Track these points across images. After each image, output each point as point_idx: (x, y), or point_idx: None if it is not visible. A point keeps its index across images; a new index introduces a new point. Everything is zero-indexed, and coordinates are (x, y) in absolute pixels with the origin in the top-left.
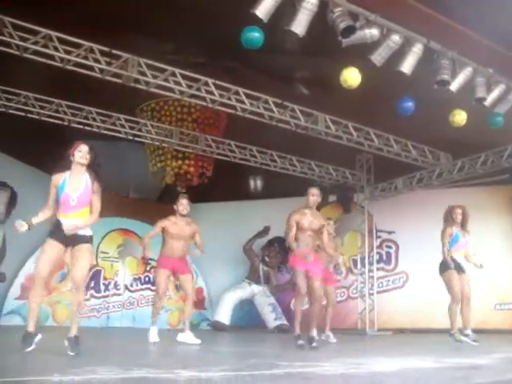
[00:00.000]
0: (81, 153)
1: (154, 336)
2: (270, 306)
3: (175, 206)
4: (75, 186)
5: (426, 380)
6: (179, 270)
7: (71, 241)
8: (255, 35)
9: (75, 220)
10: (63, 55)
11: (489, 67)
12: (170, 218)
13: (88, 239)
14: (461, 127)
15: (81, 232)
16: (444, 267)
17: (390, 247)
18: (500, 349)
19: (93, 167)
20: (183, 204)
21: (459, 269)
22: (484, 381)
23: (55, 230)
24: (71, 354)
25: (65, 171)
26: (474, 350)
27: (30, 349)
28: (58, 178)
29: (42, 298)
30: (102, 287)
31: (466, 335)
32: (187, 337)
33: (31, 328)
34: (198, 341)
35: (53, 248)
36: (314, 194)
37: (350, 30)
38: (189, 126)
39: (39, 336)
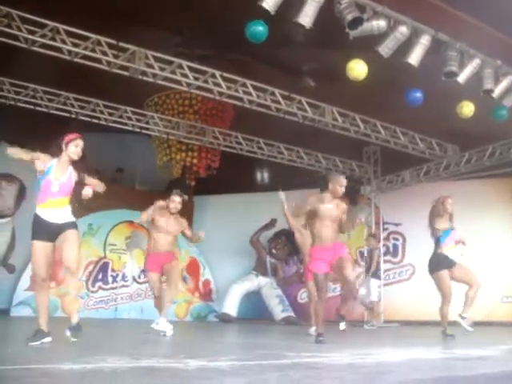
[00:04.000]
0: (77, 148)
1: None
2: (277, 297)
3: (167, 201)
4: (59, 175)
5: (432, 369)
6: (166, 262)
7: (56, 232)
8: (259, 29)
9: (54, 209)
10: (71, 48)
11: (497, 59)
12: (160, 209)
13: (72, 225)
14: (468, 119)
15: (62, 220)
16: (435, 266)
17: (396, 239)
18: (506, 341)
19: (82, 164)
20: (175, 202)
21: (450, 264)
22: (490, 371)
23: (38, 230)
24: (74, 340)
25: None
26: (480, 341)
27: (34, 343)
28: (47, 161)
29: (48, 298)
30: (110, 279)
31: (464, 318)
32: (161, 323)
33: (44, 326)
34: (169, 328)
35: (42, 249)
36: (342, 185)
37: (357, 22)
38: (190, 118)
39: (49, 338)
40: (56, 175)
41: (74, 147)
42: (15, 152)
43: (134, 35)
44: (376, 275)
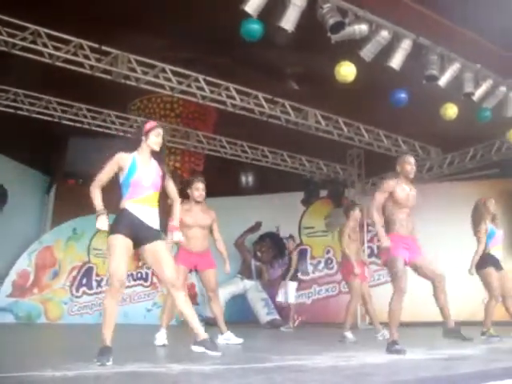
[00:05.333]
0: (158, 138)
1: (161, 339)
2: (262, 301)
3: (189, 191)
4: (146, 168)
5: (414, 371)
6: (200, 265)
7: (142, 235)
8: (254, 27)
9: (147, 205)
10: (52, 51)
11: (476, 63)
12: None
13: (159, 234)
14: (450, 122)
15: (151, 223)
16: (482, 264)
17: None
18: (488, 339)
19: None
20: (199, 189)
21: (498, 266)
22: (469, 371)
23: (124, 223)
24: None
25: (129, 152)
26: (465, 341)
27: (108, 363)
28: (125, 158)
29: (118, 305)
30: (95, 284)
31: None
32: (229, 336)
33: (109, 342)
34: (240, 340)
35: (124, 245)
36: (411, 163)
37: (339, 26)
38: (172, 122)
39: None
40: (144, 168)
41: (154, 137)
42: (98, 203)
43: (117, 39)
44: (294, 278)
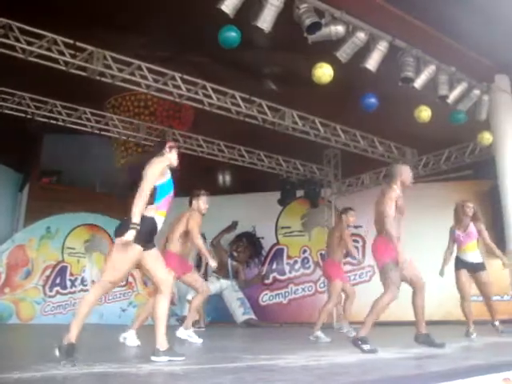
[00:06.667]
0: (175, 156)
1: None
2: (238, 300)
3: (195, 203)
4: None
5: (386, 369)
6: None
7: (153, 241)
8: (232, 35)
9: (163, 218)
10: (25, 46)
11: (451, 66)
12: (199, 219)
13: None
14: (426, 123)
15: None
16: (455, 265)
17: (357, 241)
18: (459, 339)
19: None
20: (205, 203)
21: (470, 267)
22: (441, 369)
23: (148, 232)
24: None
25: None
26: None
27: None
28: (165, 168)
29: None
30: (69, 283)
31: (494, 326)
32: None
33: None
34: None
35: (137, 258)
36: (411, 173)
37: (315, 27)
38: (146, 120)
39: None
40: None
41: (175, 154)
42: (138, 217)
43: (93, 35)
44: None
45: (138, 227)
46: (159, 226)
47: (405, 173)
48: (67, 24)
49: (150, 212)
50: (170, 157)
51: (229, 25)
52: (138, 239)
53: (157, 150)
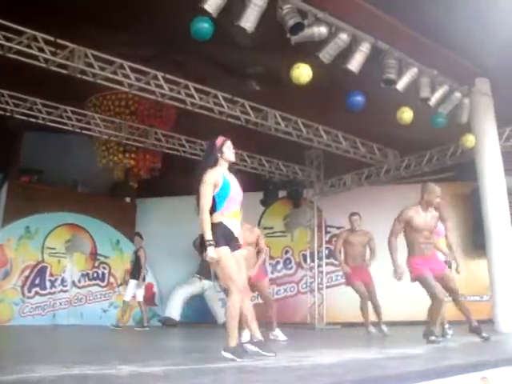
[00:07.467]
0: (230, 150)
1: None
2: (220, 301)
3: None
4: (234, 183)
5: (367, 369)
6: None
7: (231, 245)
8: (204, 26)
9: (235, 220)
10: (3, 42)
11: (433, 68)
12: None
13: (240, 244)
14: (408, 125)
15: (236, 234)
16: None
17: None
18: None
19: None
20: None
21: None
22: (422, 368)
23: (222, 236)
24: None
25: (212, 167)
26: (418, 340)
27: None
28: (217, 174)
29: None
30: (48, 284)
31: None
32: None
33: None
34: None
35: (230, 255)
36: (439, 195)
37: (298, 27)
38: (127, 119)
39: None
40: (234, 184)
41: (227, 149)
42: (209, 234)
43: (74, 32)
44: (134, 276)
45: (213, 242)
46: (233, 226)
47: (432, 196)
48: (48, 21)
49: (217, 219)
50: (226, 157)
51: (200, 16)
52: (220, 243)
53: (208, 152)
